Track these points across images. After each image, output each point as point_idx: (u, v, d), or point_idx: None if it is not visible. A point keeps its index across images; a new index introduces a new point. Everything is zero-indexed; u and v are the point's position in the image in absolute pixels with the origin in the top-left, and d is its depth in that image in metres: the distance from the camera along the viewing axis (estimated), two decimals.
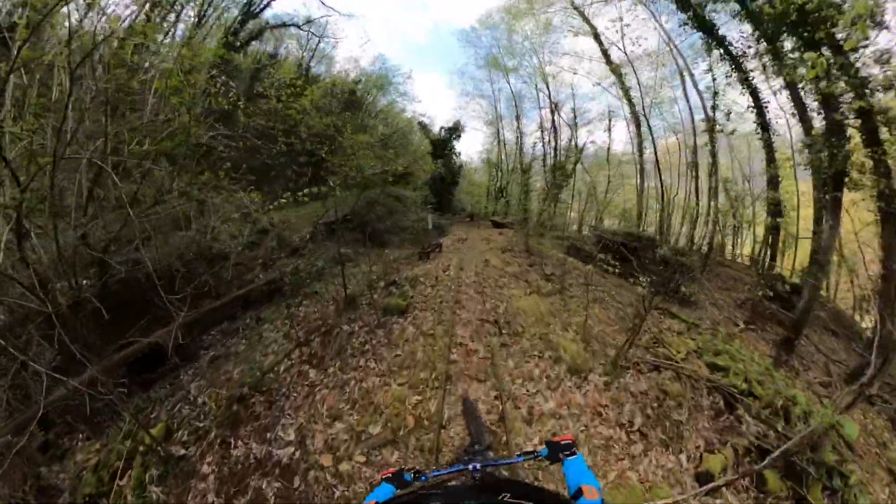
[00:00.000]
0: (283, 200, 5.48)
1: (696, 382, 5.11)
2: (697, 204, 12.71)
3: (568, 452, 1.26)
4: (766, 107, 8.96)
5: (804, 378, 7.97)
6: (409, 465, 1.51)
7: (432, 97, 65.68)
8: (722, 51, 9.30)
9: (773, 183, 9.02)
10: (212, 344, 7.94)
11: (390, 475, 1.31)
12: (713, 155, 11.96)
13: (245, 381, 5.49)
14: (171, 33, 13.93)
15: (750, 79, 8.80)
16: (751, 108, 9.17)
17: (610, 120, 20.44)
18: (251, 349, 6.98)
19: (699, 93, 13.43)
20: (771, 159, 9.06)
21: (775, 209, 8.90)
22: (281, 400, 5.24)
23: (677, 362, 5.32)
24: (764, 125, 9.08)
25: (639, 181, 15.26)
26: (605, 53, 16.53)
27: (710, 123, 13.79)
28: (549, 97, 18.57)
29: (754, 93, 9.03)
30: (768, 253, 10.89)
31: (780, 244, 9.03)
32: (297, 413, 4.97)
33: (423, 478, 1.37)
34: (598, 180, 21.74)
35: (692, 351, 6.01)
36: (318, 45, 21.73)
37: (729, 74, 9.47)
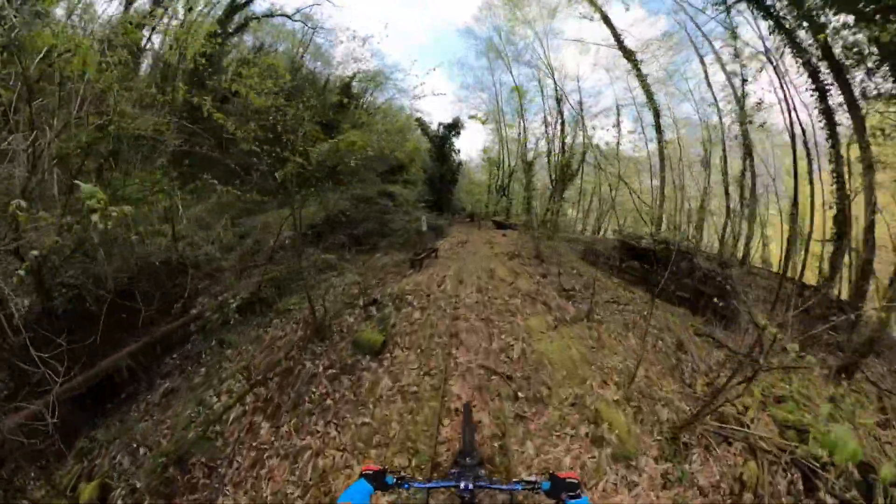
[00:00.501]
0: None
1: (775, 456, 3.77)
2: (728, 205, 11.31)
3: (573, 494, 1.14)
4: (829, 92, 7.48)
5: (861, 417, 6.65)
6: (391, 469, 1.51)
7: (433, 96, 64.14)
8: (772, 23, 7.83)
9: (839, 184, 7.55)
10: (170, 372, 6.59)
11: (371, 472, 1.23)
12: (748, 150, 10.58)
13: (188, 433, 4.42)
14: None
15: (811, 58, 7.32)
16: (810, 93, 7.72)
17: (619, 114, 18.96)
18: (206, 383, 5.61)
19: (728, 79, 12.01)
20: (837, 156, 7.59)
21: (842, 217, 7.45)
22: (223, 466, 4.13)
23: (748, 427, 3.96)
24: (828, 114, 7.57)
25: (657, 179, 13.71)
26: (618, 38, 15.06)
27: (741, 115, 12.32)
28: (556, 86, 17.09)
29: (814, 74, 7.56)
30: (814, 265, 9.51)
31: (834, 256, 7.68)
32: (237, 490, 3.79)
33: (405, 485, 1.28)
34: (605, 178, 20.32)
35: (757, 400, 4.65)
36: (311, 39, 20.56)
37: (779, 53, 8.02)
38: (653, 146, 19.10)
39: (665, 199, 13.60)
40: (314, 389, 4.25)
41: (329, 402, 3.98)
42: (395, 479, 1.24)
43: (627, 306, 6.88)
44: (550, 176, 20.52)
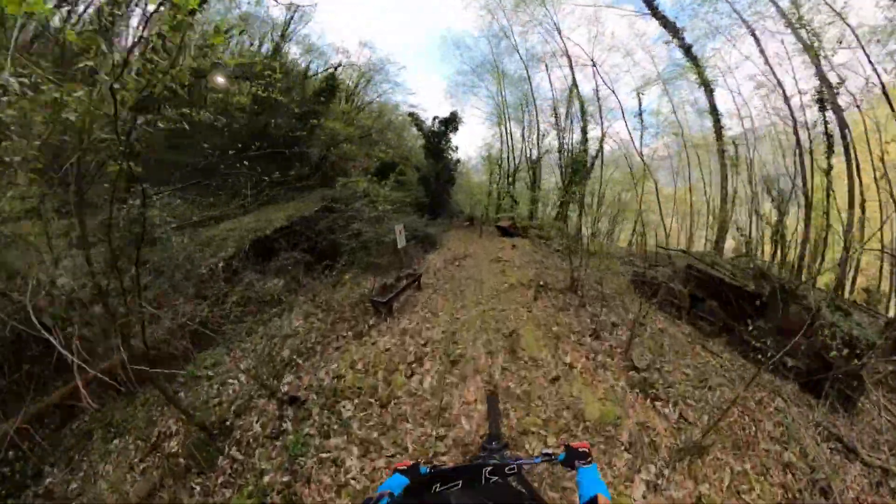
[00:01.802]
0: None
1: None
2: (808, 214, 8.62)
3: (584, 462, 1.21)
4: None
5: None
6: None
7: (433, 99, 61.44)
8: None
9: None
10: (65, 450, 4.24)
11: (405, 468, 1.28)
12: (838, 138, 7.93)
13: None
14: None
15: None
16: None
17: (640, 103, 16.09)
18: (76, 499, 3.52)
19: (804, 45, 9.42)
20: None
21: None
22: None
23: None
24: None
25: (721, 179, 10.80)
26: (651, 3, 12.35)
27: (821, 92, 9.76)
28: (570, 64, 14.35)
29: None
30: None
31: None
32: None
33: None
34: (624, 177, 17.61)
35: None
36: (289, 23, 18.01)
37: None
38: (667, 139, 16.49)
39: (727, 204, 10.81)
40: None
41: None
42: (428, 469, 1.30)
43: (722, 388, 4.23)
44: (562, 172, 17.97)
